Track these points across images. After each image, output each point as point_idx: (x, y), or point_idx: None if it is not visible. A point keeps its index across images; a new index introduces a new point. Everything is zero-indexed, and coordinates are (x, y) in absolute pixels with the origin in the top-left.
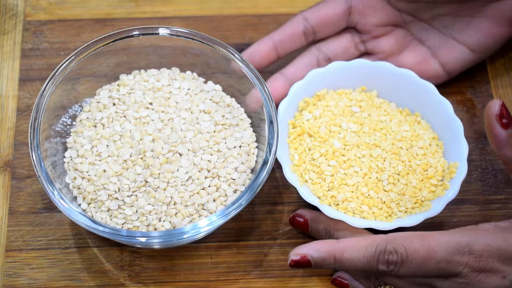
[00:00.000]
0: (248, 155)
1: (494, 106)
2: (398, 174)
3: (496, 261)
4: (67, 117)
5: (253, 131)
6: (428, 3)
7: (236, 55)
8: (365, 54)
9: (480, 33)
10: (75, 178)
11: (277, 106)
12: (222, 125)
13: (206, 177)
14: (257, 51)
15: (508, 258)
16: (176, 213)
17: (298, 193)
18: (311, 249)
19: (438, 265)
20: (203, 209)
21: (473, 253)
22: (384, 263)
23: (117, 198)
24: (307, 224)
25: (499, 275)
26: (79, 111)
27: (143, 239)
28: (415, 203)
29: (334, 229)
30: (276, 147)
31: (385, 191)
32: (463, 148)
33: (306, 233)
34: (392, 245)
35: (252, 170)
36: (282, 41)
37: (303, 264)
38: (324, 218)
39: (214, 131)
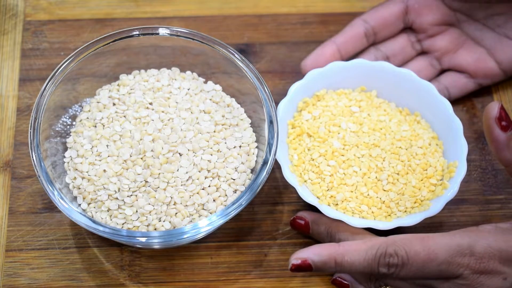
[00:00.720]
0: (248, 155)
1: (493, 108)
2: (398, 174)
3: (497, 262)
4: (67, 117)
5: (253, 131)
6: (482, 2)
7: (236, 55)
8: (422, 53)
9: None
10: (75, 178)
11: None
12: (222, 125)
13: (206, 177)
14: (321, 54)
15: (509, 260)
16: (176, 213)
17: (298, 193)
18: (312, 253)
19: (439, 267)
20: (203, 209)
21: (474, 255)
22: (385, 266)
23: (117, 198)
24: (308, 226)
25: (500, 276)
26: (79, 111)
27: (143, 239)
28: (415, 202)
29: (335, 230)
30: (276, 147)
31: (384, 190)
32: (463, 147)
33: (307, 235)
34: (393, 247)
35: (252, 170)
36: (345, 44)
37: (304, 268)
38: (325, 219)
39: (214, 131)
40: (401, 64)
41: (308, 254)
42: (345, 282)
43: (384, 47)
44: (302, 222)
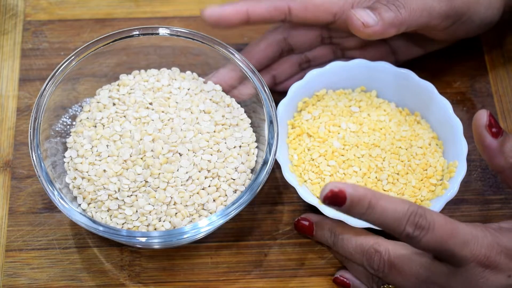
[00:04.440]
0: (248, 155)
1: (482, 116)
2: (398, 174)
3: (503, 258)
4: (67, 117)
5: (253, 131)
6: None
7: (236, 55)
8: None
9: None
10: (75, 178)
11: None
12: (222, 125)
13: (206, 177)
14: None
15: None
16: (176, 213)
17: (298, 193)
18: (349, 187)
19: (455, 247)
20: (203, 209)
21: (483, 248)
22: (412, 225)
23: (117, 198)
24: (312, 227)
25: (504, 273)
26: (79, 111)
27: (143, 239)
28: (414, 202)
29: (339, 231)
30: (276, 147)
31: (384, 190)
32: (463, 147)
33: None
34: (423, 210)
35: (252, 170)
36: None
37: (338, 200)
38: (329, 221)
39: (214, 131)
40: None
41: (346, 187)
42: (347, 281)
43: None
44: (306, 223)
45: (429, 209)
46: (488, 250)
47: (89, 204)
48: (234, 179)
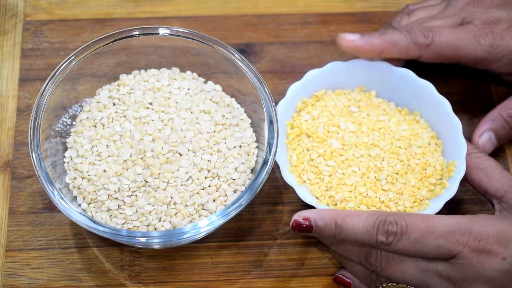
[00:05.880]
0: (248, 155)
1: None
2: (397, 173)
3: (496, 241)
4: (67, 117)
5: (253, 131)
6: None
7: (236, 55)
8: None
9: None
10: (75, 178)
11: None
12: (222, 125)
13: (206, 177)
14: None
15: (507, 240)
16: (176, 213)
17: (296, 193)
18: (314, 213)
19: (437, 241)
20: (203, 209)
21: (473, 233)
22: (383, 234)
23: (117, 198)
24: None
25: (499, 257)
26: (79, 111)
27: (143, 239)
28: (414, 202)
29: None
30: (276, 147)
31: (383, 190)
32: (462, 147)
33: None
34: (393, 217)
35: (252, 170)
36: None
37: (305, 228)
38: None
39: (214, 131)
40: None
41: (310, 213)
42: (347, 279)
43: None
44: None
45: (402, 214)
46: (478, 235)
47: (89, 204)
48: (234, 179)
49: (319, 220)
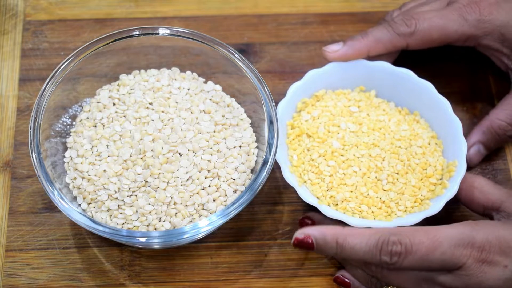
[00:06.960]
0: (248, 155)
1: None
2: (397, 173)
3: (498, 250)
4: (67, 117)
5: (253, 131)
6: None
7: (236, 55)
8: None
9: None
10: (75, 178)
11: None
12: (222, 125)
13: (206, 177)
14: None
15: (509, 247)
16: (176, 213)
17: (297, 193)
18: (316, 231)
19: (442, 256)
20: (203, 209)
21: (476, 244)
22: (387, 254)
23: (117, 198)
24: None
25: (500, 265)
26: (79, 111)
27: (143, 239)
28: (414, 202)
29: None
30: (276, 147)
31: (384, 190)
32: (462, 146)
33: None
34: (397, 236)
35: (252, 170)
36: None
37: (306, 245)
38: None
39: (214, 131)
40: None
41: (312, 231)
42: (347, 280)
43: None
44: (309, 221)
45: (406, 230)
46: (481, 245)
47: (89, 204)
48: (234, 179)
49: (320, 238)
